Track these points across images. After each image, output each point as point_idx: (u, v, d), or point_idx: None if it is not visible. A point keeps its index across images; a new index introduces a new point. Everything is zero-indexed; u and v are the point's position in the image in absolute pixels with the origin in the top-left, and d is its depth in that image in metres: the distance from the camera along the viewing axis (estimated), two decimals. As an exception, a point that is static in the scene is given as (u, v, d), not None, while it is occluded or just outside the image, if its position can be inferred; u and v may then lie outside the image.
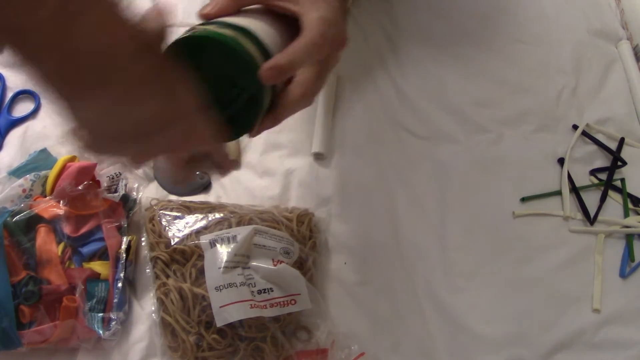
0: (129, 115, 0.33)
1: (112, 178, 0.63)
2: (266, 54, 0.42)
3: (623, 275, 0.65)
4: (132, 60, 0.31)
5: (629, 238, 0.67)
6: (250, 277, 0.56)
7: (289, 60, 0.42)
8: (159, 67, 0.33)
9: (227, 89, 0.41)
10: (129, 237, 0.60)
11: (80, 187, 0.59)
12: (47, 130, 0.69)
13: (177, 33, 0.39)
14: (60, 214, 0.57)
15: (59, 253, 0.57)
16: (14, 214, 0.57)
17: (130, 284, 0.61)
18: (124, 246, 0.59)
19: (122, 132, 0.34)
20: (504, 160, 0.72)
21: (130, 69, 0.31)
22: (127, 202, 0.62)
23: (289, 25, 0.48)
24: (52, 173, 0.61)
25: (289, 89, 0.46)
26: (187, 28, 0.42)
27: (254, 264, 0.57)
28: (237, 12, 0.46)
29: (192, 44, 0.40)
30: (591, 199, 0.70)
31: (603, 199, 0.70)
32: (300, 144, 0.71)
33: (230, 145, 0.70)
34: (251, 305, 0.54)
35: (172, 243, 0.58)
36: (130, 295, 0.60)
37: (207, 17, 0.44)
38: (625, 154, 0.73)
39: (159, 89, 0.34)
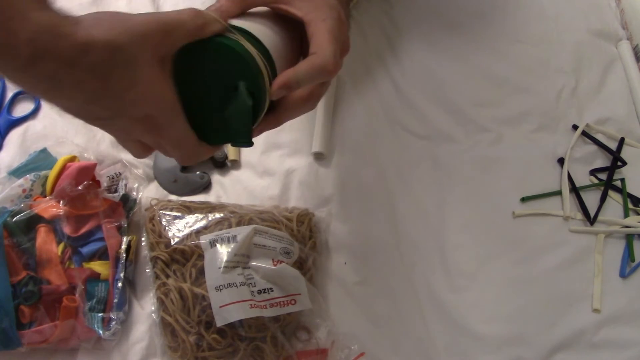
0: (81, 108, 0.35)
1: (112, 178, 0.63)
2: (269, 59, 0.43)
3: (623, 275, 0.65)
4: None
5: (629, 238, 0.67)
6: (250, 277, 0.56)
7: (301, 80, 0.42)
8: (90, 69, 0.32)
9: (226, 92, 0.42)
10: (129, 237, 0.60)
11: (80, 187, 0.59)
12: (47, 130, 0.69)
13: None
14: (60, 214, 0.57)
15: (59, 253, 0.57)
16: (14, 214, 0.57)
17: (130, 284, 0.61)
18: (124, 246, 0.59)
19: (89, 117, 0.36)
20: (504, 160, 0.72)
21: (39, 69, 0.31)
22: (127, 202, 0.62)
23: (293, 26, 0.47)
24: (52, 173, 0.61)
25: (292, 93, 0.45)
26: None
27: (254, 263, 0.57)
28: (241, 14, 0.46)
29: (195, 44, 0.40)
30: (591, 199, 0.70)
31: (603, 199, 0.70)
32: (300, 144, 0.71)
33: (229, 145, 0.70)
34: (251, 305, 0.54)
35: (172, 243, 0.58)
36: (130, 295, 0.60)
37: None
38: (625, 154, 0.73)
39: (95, 87, 0.33)
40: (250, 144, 0.42)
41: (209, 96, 0.42)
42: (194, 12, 0.39)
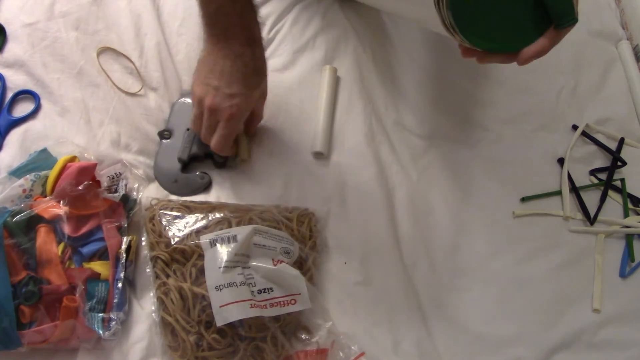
0: None
1: (112, 178, 0.63)
2: None
3: (623, 275, 0.65)
4: None
5: (629, 238, 0.67)
6: (250, 277, 0.56)
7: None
8: None
9: None
10: (129, 237, 0.60)
11: (80, 187, 0.59)
12: (47, 130, 0.68)
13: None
14: (60, 214, 0.57)
15: (59, 253, 0.57)
16: (14, 214, 0.57)
17: (130, 284, 0.61)
18: (124, 246, 0.59)
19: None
20: (504, 160, 0.72)
21: None
22: (127, 202, 0.62)
23: None
24: (52, 173, 0.60)
25: None
26: None
27: (254, 263, 0.57)
28: None
29: None
30: (591, 199, 0.70)
31: (603, 199, 0.70)
32: (300, 144, 0.71)
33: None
34: (251, 305, 0.54)
35: (172, 243, 0.58)
36: (130, 295, 0.60)
37: None
38: (625, 154, 0.73)
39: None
40: (576, 19, 0.46)
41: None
42: None
